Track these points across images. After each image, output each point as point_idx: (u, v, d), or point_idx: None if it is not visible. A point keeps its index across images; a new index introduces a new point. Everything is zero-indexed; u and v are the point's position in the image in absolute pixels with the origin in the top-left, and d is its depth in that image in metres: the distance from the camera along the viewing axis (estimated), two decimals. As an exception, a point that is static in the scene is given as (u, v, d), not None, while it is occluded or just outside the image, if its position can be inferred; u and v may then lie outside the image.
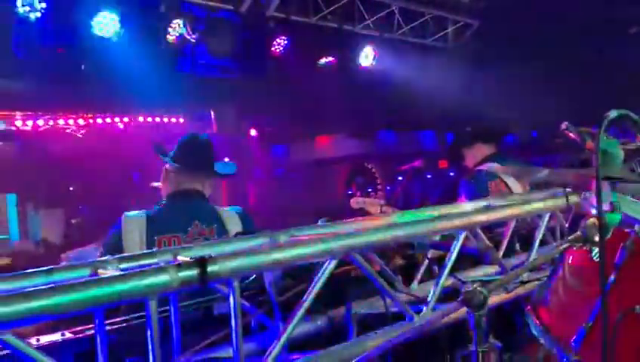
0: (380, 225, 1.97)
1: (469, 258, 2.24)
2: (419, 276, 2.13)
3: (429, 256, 2.18)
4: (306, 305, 1.49)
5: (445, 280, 1.82)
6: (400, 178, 8.67)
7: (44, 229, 10.93)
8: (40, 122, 8.67)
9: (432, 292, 1.80)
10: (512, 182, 3.69)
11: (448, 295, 1.88)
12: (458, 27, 7.83)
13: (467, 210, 2.13)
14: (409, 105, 7.65)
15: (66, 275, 1.44)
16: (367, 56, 7.16)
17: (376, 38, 7.16)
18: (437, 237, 2.06)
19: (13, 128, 8.64)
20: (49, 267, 1.46)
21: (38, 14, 4.54)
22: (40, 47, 5.08)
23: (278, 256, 1.39)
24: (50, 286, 1.07)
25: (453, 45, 7.85)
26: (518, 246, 2.62)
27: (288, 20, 6.26)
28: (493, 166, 3.76)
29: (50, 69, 5.78)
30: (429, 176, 10.87)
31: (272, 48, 6.34)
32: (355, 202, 3.91)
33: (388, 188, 11.30)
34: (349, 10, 6.77)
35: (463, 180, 3.85)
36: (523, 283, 2.12)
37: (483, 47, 7.31)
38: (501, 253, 2.17)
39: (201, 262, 1.23)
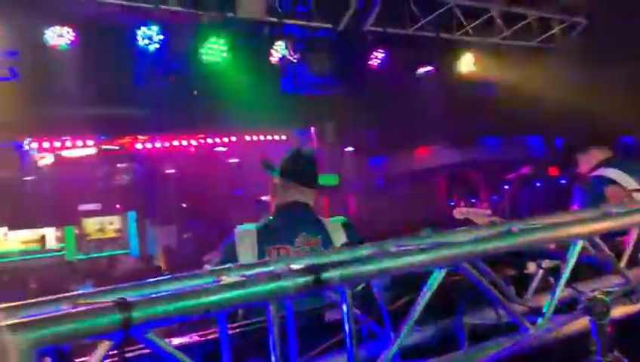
0: (490, 234, 1.93)
1: (587, 268, 2.13)
2: (533, 286, 2.06)
3: (543, 266, 2.10)
4: (416, 314, 1.50)
5: (562, 291, 1.74)
6: (506, 186, 8.34)
7: (159, 244, 11.75)
8: (157, 144, 9.37)
9: (548, 303, 1.73)
10: (631, 188, 3.43)
11: (565, 306, 1.80)
12: (564, 27, 7.45)
13: (584, 218, 2.03)
14: (514, 109, 7.37)
15: (191, 282, 1.56)
16: (467, 63, 7.02)
17: (476, 44, 7.00)
18: (551, 247, 1.98)
19: (133, 150, 9.42)
20: (175, 275, 1.59)
21: (157, 45, 4.97)
22: (156, 75, 5.54)
23: (388, 264, 1.42)
24: (186, 290, 1.17)
25: (560, 46, 7.48)
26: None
27: (385, 33, 6.31)
28: (609, 171, 3.52)
29: (164, 95, 6.26)
30: (538, 184, 10.34)
31: (370, 62, 6.41)
32: (459, 212, 3.81)
33: (493, 197, 10.89)
34: (447, 18, 6.69)
35: (576, 187, 3.63)
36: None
37: (592, 46, 6.89)
38: (623, 263, 2.04)
39: (316, 270, 1.29)
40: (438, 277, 1.52)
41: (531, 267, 2.16)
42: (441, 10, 6.55)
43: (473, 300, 1.92)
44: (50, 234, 12.42)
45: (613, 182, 3.47)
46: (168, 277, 1.55)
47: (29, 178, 9.32)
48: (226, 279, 1.53)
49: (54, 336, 1.03)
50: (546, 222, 2.13)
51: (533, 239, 1.73)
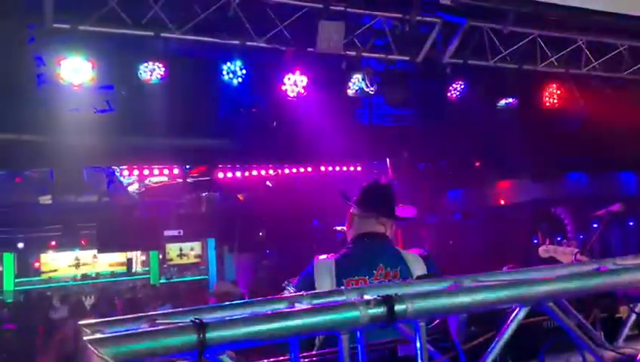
0: (576, 272, 1.81)
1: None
2: (625, 331, 1.90)
3: (637, 309, 1.94)
4: (493, 354, 1.43)
5: (659, 338, 1.60)
6: (595, 225, 7.86)
7: (237, 270, 12.01)
8: (237, 173, 9.69)
9: (642, 350, 1.59)
10: None
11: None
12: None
13: (684, 259, 1.87)
14: (603, 144, 6.99)
15: (266, 307, 1.58)
16: (550, 95, 6.77)
17: (561, 75, 6.74)
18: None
19: (215, 180, 9.77)
20: (251, 299, 1.61)
21: (240, 80, 5.21)
22: (239, 107, 5.77)
23: (465, 299, 1.37)
24: (259, 314, 1.19)
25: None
26: None
27: (465, 65, 6.23)
28: None
29: (246, 127, 6.50)
30: (631, 223, 9.68)
31: (449, 93, 6.34)
32: (545, 250, 3.63)
33: (581, 236, 10.28)
34: (530, 48, 6.50)
35: None
36: None
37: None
38: None
39: (389, 301, 1.26)
40: (518, 315, 1.45)
41: (624, 311, 2.01)
42: (523, 41, 6.38)
43: (557, 343, 1.80)
44: (137, 257, 13.07)
45: None
46: (244, 301, 1.57)
47: (118, 204, 9.88)
48: (300, 306, 1.53)
49: (134, 352, 1.07)
50: (638, 261, 1.98)
51: (624, 280, 1.61)
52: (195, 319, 1.14)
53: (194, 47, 5.18)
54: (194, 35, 5.02)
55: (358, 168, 10.25)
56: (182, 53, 5.26)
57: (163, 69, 5.10)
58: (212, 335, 1.11)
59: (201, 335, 1.10)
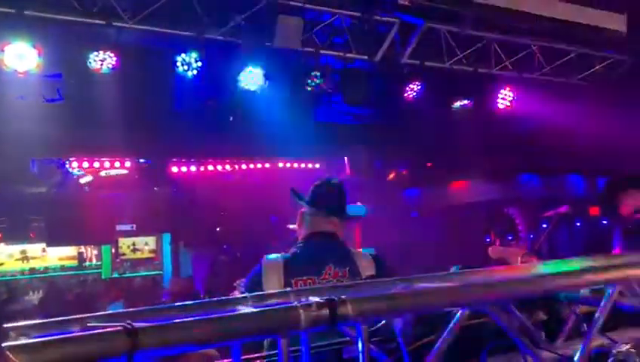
0: (521, 275, 1.84)
1: (625, 316, 2.01)
2: (565, 333, 1.95)
3: (577, 311, 1.99)
4: (436, 355, 1.43)
5: (595, 339, 1.64)
6: (544, 225, 8.10)
7: (193, 266, 11.82)
8: (192, 168, 9.52)
9: (579, 352, 1.63)
10: None
11: (599, 356, 1.69)
12: (606, 64, 7.30)
13: (622, 262, 1.92)
14: (553, 147, 7.20)
15: (207, 310, 1.53)
16: (504, 98, 6.93)
17: (515, 79, 6.91)
18: (586, 291, 1.88)
19: (169, 173, 9.59)
20: (196, 301, 1.57)
21: (195, 72, 5.09)
22: (194, 100, 5.65)
23: (409, 301, 1.36)
24: (195, 319, 1.14)
25: (602, 83, 7.31)
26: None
27: (422, 66, 6.30)
28: None
29: (201, 121, 6.38)
30: (578, 224, 10.01)
31: (406, 94, 6.39)
32: (494, 251, 3.70)
33: (531, 236, 10.58)
34: (485, 52, 6.63)
35: (618, 229, 3.49)
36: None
37: (634, 85, 6.71)
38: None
39: (332, 304, 1.24)
40: (460, 318, 1.45)
41: (565, 312, 2.05)
42: (479, 45, 6.50)
43: (500, 344, 1.83)
44: (88, 251, 12.69)
45: None
46: (183, 304, 1.53)
47: (68, 196, 9.57)
48: (241, 309, 1.49)
49: (58, 360, 1.01)
50: (582, 265, 2.03)
51: (566, 283, 1.64)
52: (127, 323, 1.09)
53: (147, 37, 5.04)
54: (147, 25, 4.89)
55: (317, 165, 10.24)
56: (135, 42, 5.10)
57: (114, 59, 4.93)
58: (143, 340, 1.06)
59: (132, 341, 1.05)
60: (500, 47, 6.68)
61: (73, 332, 1.15)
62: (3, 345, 0.98)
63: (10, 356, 0.96)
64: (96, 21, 4.77)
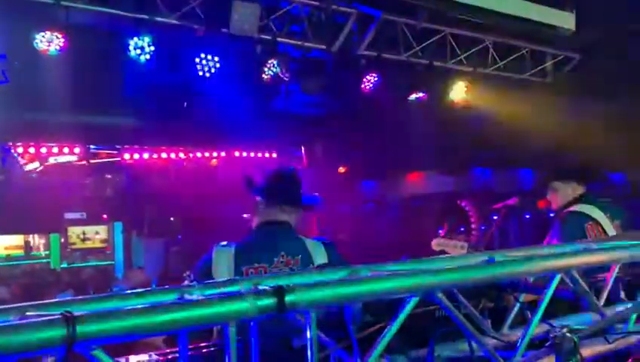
0: (467, 264, 1.88)
1: (566, 304, 2.08)
2: (509, 320, 2.01)
3: (521, 299, 2.05)
4: (384, 342, 1.45)
5: (537, 326, 1.69)
6: (495, 217, 8.32)
7: (145, 257, 11.59)
8: (145, 155, 9.30)
9: (522, 338, 1.68)
10: (606, 226, 3.44)
11: (542, 342, 1.75)
12: (557, 61, 7.53)
13: (563, 252, 1.99)
14: (505, 141, 7.39)
15: (155, 298, 1.50)
16: (458, 92, 7.05)
17: (469, 73, 7.04)
18: (530, 280, 1.95)
19: (121, 161, 9.34)
20: (141, 289, 1.53)
21: (148, 57, 4.95)
22: (146, 86, 5.50)
23: (356, 289, 1.37)
24: (137, 307, 1.11)
25: (552, 80, 7.55)
26: (623, 294, 2.40)
27: (379, 58, 6.33)
28: (586, 207, 3.54)
29: (154, 107, 6.22)
30: (527, 216, 10.34)
31: (363, 85, 6.42)
32: (437, 243, 3.79)
33: (482, 227, 10.87)
34: (441, 46, 6.73)
35: (557, 221, 3.63)
36: (628, 333, 1.93)
37: (583, 82, 6.95)
38: (602, 300, 2.00)
39: (279, 291, 1.23)
40: (409, 305, 1.47)
41: (509, 300, 2.12)
42: (435, 38, 6.59)
43: (447, 332, 1.87)
44: (35, 240, 12.24)
45: (591, 218, 3.49)
46: (128, 292, 1.49)
47: (13, 183, 9.20)
48: (189, 297, 1.47)
49: (-7, 348, 0.97)
50: (525, 254, 2.09)
51: (510, 271, 1.69)
52: (65, 312, 1.05)
53: (98, 19, 4.86)
54: (98, 6, 4.71)
55: (274, 155, 10.19)
56: (85, 24, 4.90)
57: (63, 40, 4.72)
58: (82, 329, 1.03)
59: (70, 330, 1.02)
60: (455, 42, 6.79)
61: (11, 321, 1.10)
62: None
63: None
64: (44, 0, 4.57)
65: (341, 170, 10.99)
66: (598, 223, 3.48)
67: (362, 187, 12.90)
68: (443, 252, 3.66)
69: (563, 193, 3.75)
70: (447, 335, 1.89)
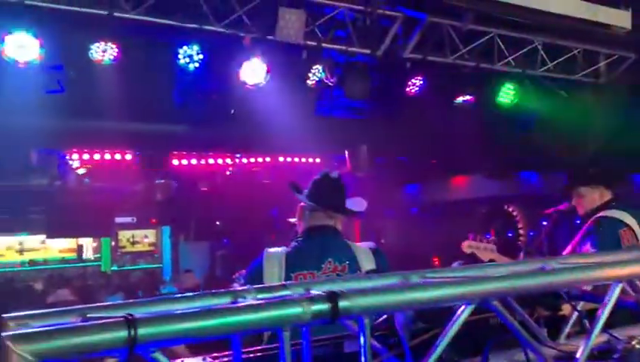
0: (523, 271, 1.83)
1: (627, 313, 2.00)
2: (567, 330, 1.94)
3: (579, 308, 1.98)
4: (438, 351, 1.42)
5: (598, 336, 1.62)
6: (544, 222, 8.09)
7: (192, 260, 11.83)
8: (193, 161, 9.51)
9: (582, 348, 1.62)
10: (639, 232, 3.30)
11: (602, 353, 1.69)
12: (611, 61, 7.26)
13: (624, 259, 1.91)
14: (555, 144, 7.18)
15: (209, 301, 1.52)
16: (506, 94, 6.90)
17: (518, 75, 6.88)
18: (588, 287, 1.87)
19: (170, 166, 9.57)
20: (194, 293, 1.55)
21: (197, 65, 5.07)
22: (195, 94, 5.62)
23: (410, 296, 1.35)
24: (195, 310, 1.13)
25: (606, 80, 7.28)
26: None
27: (424, 61, 6.27)
28: (618, 213, 3.40)
29: (203, 114, 6.35)
30: (577, 222, 10.00)
31: (408, 89, 6.37)
32: (467, 246, 3.70)
33: (531, 233, 10.58)
34: (488, 47, 6.60)
35: (591, 226, 3.49)
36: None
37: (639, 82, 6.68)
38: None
39: (333, 297, 1.23)
40: (463, 313, 1.44)
41: (567, 309, 2.04)
42: (482, 40, 6.47)
43: (502, 340, 1.82)
44: (87, 244, 12.68)
45: (625, 224, 3.36)
46: (184, 295, 1.51)
47: (68, 189, 9.56)
48: (242, 301, 1.48)
49: (58, 349, 1.00)
50: (584, 261, 2.01)
51: (568, 279, 1.63)
52: (127, 314, 1.08)
53: (149, 29, 5.01)
54: (149, 16, 4.86)
55: (317, 160, 10.23)
56: (136, 34, 5.07)
57: (116, 50, 4.90)
58: (143, 331, 1.05)
59: (132, 332, 1.04)
60: (503, 43, 6.65)
61: (74, 323, 1.14)
62: (3, 334, 0.97)
63: (10, 345, 0.95)
64: (98, 11, 4.74)
65: (385, 174, 10.92)
66: (631, 229, 3.35)
67: (406, 191, 12.79)
68: (474, 254, 3.58)
69: (590, 198, 3.61)
70: (502, 343, 1.85)
